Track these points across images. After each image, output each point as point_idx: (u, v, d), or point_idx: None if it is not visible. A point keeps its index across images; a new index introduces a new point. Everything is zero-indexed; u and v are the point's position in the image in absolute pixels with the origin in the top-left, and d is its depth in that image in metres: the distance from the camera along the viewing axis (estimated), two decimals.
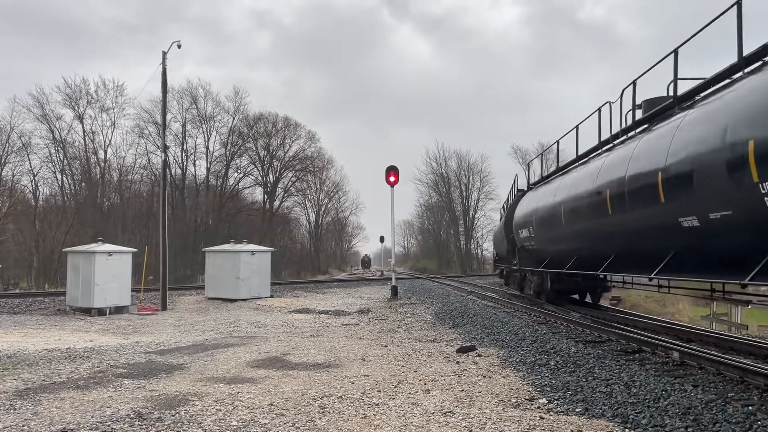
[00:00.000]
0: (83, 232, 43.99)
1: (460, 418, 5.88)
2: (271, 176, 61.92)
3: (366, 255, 79.45)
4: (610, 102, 12.78)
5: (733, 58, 8.11)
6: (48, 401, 6.75)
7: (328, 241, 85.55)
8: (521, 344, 10.63)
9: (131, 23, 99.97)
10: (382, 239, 59.90)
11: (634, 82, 11.59)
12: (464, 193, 69.36)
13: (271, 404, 6.50)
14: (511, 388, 7.22)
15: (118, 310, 20.20)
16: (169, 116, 46.85)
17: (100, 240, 22.32)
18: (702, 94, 9.07)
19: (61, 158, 49.77)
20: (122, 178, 52.62)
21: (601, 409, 6.14)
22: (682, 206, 8.24)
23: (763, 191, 6.49)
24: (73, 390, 7.36)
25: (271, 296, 25.13)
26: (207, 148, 56.30)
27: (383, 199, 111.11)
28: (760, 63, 7.67)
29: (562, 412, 6.12)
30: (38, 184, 49.97)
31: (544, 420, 5.75)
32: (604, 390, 6.90)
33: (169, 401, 6.68)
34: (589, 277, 16.12)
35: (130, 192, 53.14)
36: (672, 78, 9.88)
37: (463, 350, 10.12)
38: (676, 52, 9.65)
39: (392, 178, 24.77)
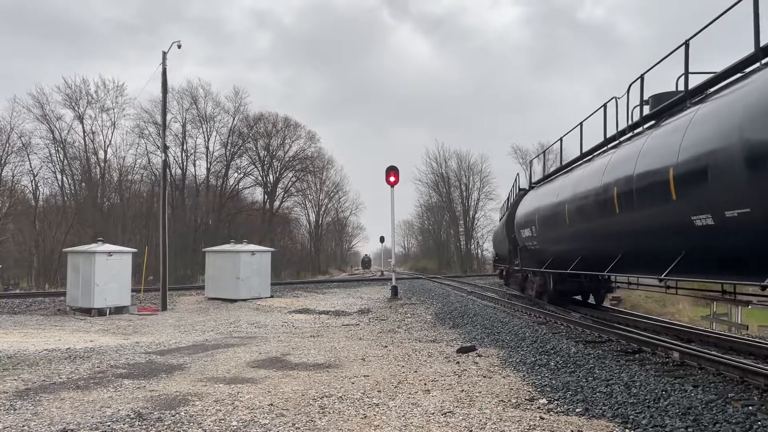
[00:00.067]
0: (83, 232, 44.00)
1: (460, 418, 5.88)
2: (271, 176, 61.99)
3: (366, 255, 79.35)
4: (616, 97, 12.42)
5: (739, 55, 7.93)
6: (48, 401, 6.75)
7: (328, 241, 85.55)
8: (521, 344, 10.63)
9: (131, 23, 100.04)
10: (382, 239, 59.93)
11: (641, 77, 11.17)
12: (464, 193, 69.41)
13: (271, 404, 6.50)
14: (512, 389, 7.22)
15: (118, 310, 20.20)
16: (169, 116, 46.89)
17: (100, 240, 22.33)
18: (714, 88, 8.73)
19: (61, 158, 49.84)
20: (122, 179, 52.65)
21: (601, 409, 6.14)
22: (696, 204, 7.90)
23: None
24: (73, 390, 7.36)
25: (271, 296, 25.13)
26: (207, 148, 56.38)
27: (383, 199, 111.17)
28: None
29: (563, 412, 6.12)
30: (38, 185, 50.08)
31: (544, 420, 5.75)
32: (605, 390, 6.90)
33: (169, 401, 6.68)
34: (593, 277, 15.83)
35: (130, 192, 53.15)
36: (682, 72, 9.44)
37: (463, 350, 10.12)
38: (687, 44, 9.27)
39: (392, 178, 24.76)
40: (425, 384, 7.55)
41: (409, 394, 7.01)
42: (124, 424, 5.70)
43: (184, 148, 54.96)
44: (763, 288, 7.15)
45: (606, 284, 16.80)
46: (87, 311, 19.84)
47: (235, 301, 23.31)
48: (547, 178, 18.15)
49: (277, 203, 63.26)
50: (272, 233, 58.38)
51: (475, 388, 7.29)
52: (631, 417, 5.78)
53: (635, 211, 9.81)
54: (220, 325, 16.11)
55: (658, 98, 10.89)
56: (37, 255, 46.23)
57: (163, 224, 23.55)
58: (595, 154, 13.60)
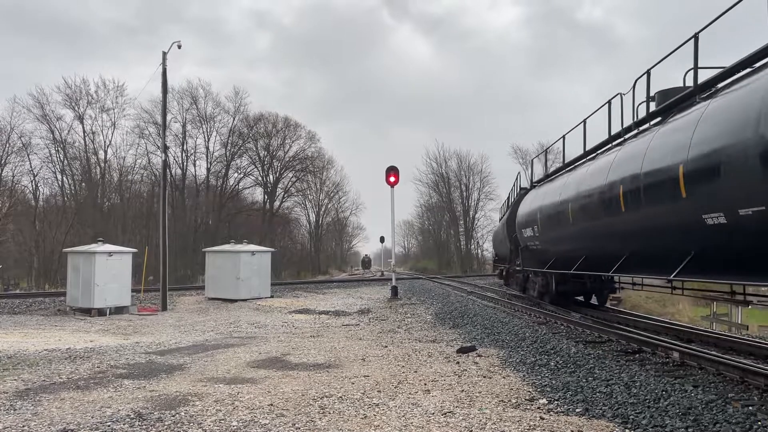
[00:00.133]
0: (83, 232, 44.02)
1: (461, 418, 5.88)
2: (271, 176, 61.98)
3: (366, 255, 79.30)
4: (621, 94, 12.08)
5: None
6: (48, 401, 6.76)
7: (329, 241, 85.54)
8: (521, 344, 10.63)
9: (131, 24, 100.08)
10: (382, 239, 59.94)
11: (648, 72, 10.85)
12: (464, 193, 69.44)
13: (272, 404, 6.50)
14: (512, 389, 7.22)
15: (118, 310, 20.20)
16: (169, 116, 46.95)
17: (100, 240, 22.33)
18: (724, 83, 8.47)
19: (62, 158, 49.86)
20: (122, 179, 52.67)
21: (601, 409, 6.14)
22: (707, 202, 7.62)
23: None
24: (74, 390, 7.37)
25: (272, 296, 25.13)
26: (207, 148, 56.39)
27: (383, 199, 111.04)
28: None
29: (563, 412, 6.12)
30: (38, 185, 50.09)
31: (545, 420, 5.75)
32: (605, 390, 6.90)
33: (170, 401, 6.68)
34: (596, 278, 15.59)
35: (131, 192, 53.17)
36: (688, 68, 9.19)
37: (463, 350, 10.12)
38: (696, 37, 8.96)
39: (392, 179, 24.75)
40: (425, 384, 7.55)
41: (409, 394, 7.01)
42: (124, 424, 5.70)
43: (184, 148, 55.04)
44: None
45: (609, 285, 16.59)
46: (87, 311, 19.84)
47: (235, 301, 23.31)
48: (549, 176, 17.86)
49: (277, 203, 63.29)
50: (272, 233, 58.38)
51: (475, 388, 7.29)
52: (631, 417, 5.78)
53: (642, 209, 9.55)
54: (220, 326, 16.11)
55: (664, 94, 10.65)
56: (37, 255, 46.23)
57: (163, 224, 23.55)
58: (599, 152, 13.33)
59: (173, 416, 5.99)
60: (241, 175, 59.94)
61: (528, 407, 6.34)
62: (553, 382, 7.48)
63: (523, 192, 20.24)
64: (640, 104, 11.31)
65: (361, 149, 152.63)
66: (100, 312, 19.68)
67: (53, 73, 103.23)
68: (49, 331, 15.23)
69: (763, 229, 6.73)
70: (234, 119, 57.46)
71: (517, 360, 9.18)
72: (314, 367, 8.99)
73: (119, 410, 6.27)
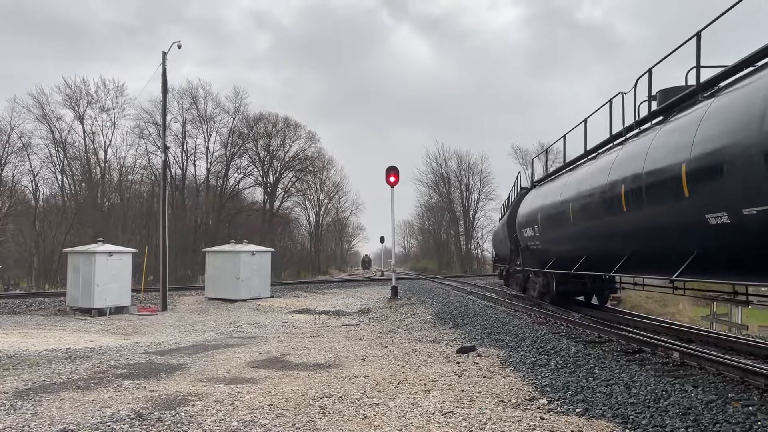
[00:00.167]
0: (83, 232, 44.02)
1: (461, 418, 5.88)
2: (271, 176, 62.00)
3: (366, 255, 79.37)
4: (622, 93, 11.98)
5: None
6: (48, 401, 6.76)
7: (329, 241, 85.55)
8: (521, 345, 10.63)
9: (130, 24, 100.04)
10: (382, 239, 59.97)
11: (650, 71, 10.75)
12: (464, 193, 69.48)
13: (272, 404, 6.50)
14: (512, 389, 7.22)
15: (118, 310, 20.20)
16: (169, 117, 46.98)
17: (100, 240, 22.33)
18: (727, 81, 8.40)
19: (62, 159, 49.88)
20: (122, 179, 52.68)
21: (601, 409, 6.14)
22: (710, 201, 7.52)
23: None
24: (74, 390, 7.37)
25: (272, 297, 25.13)
26: (207, 148, 56.41)
27: (383, 199, 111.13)
28: None
29: (563, 412, 6.12)
30: (38, 185, 50.12)
31: (545, 420, 5.75)
32: (605, 390, 6.90)
33: (170, 401, 6.68)
34: (596, 278, 15.50)
35: (131, 192, 53.17)
36: (689, 67, 9.11)
37: (463, 350, 10.12)
38: (698, 35, 8.88)
39: (392, 179, 24.75)
40: (425, 384, 7.55)
41: (409, 394, 7.01)
42: (124, 425, 5.70)
43: (184, 148, 55.05)
44: None
45: (610, 285, 16.51)
46: (87, 311, 19.84)
47: (235, 301, 23.31)
48: (549, 176, 17.78)
49: (277, 203, 63.31)
50: (272, 233, 58.38)
51: (475, 388, 7.29)
52: (631, 417, 5.78)
53: (644, 209, 9.47)
54: (220, 326, 16.11)
55: (666, 93, 10.57)
56: (37, 255, 46.24)
57: (163, 224, 23.54)
58: (600, 151, 13.25)
59: (173, 416, 5.99)
60: (241, 175, 60.04)
61: (528, 407, 6.34)
62: (553, 382, 7.48)
63: (524, 192, 20.10)
64: (641, 103, 11.25)
65: (361, 149, 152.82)
66: (100, 312, 19.68)
67: (53, 73, 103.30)
68: (49, 331, 15.23)
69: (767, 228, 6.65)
70: (234, 119, 57.56)
71: (517, 360, 9.18)
72: (314, 367, 8.99)
73: (119, 410, 6.27)
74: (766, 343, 10.24)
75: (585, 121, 14.40)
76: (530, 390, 7.13)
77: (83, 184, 51.53)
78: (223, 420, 5.88)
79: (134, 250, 22.69)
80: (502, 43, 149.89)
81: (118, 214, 50.39)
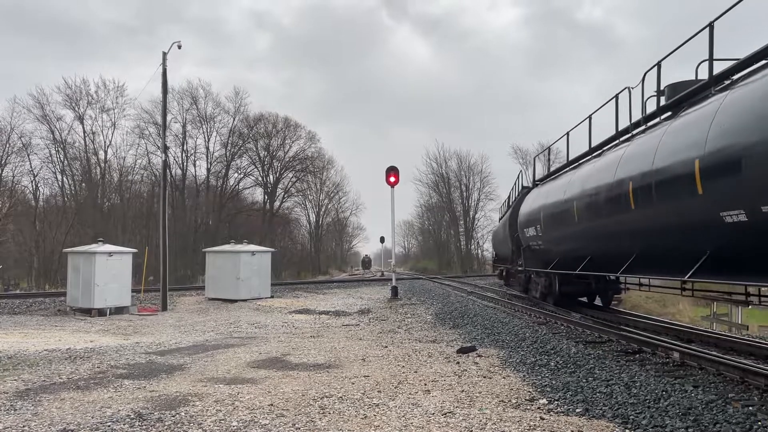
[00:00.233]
0: (83, 232, 44.02)
1: (461, 418, 5.88)
2: (271, 177, 62.00)
3: (366, 255, 79.45)
4: (629, 88, 11.57)
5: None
6: (48, 402, 6.76)
7: (329, 241, 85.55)
8: (521, 345, 10.63)
9: (130, 24, 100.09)
10: (382, 240, 60.03)
11: (658, 64, 10.38)
12: (464, 193, 69.51)
13: (272, 405, 6.50)
14: (512, 389, 7.22)
15: (119, 310, 20.20)
16: (169, 117, 46.97)
17: (100, 240, 22.33)
18: (740, 74, 8.11)
19: (62, 159, 49.88)
20: (122, 179, 52.69)
21: (601, 409, 6.14)
22: (726, 198, 7.18)
23: None
24: (74, 390, 7.37)
25: (272, 297, 25.13)
26: (207, 148, 56.42)
27: (383, 199, 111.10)
28: None
29: (563, 412, 6.12)
30: (38, 185, 50.11)
31: (545, 420, 5.75)
32: (605, 390, 6.90)
33: (170, 402, 6.69)
34: (600, 278, 15.23)
35: (131, 192, 53.18)
36: (700, 61, 8.85)
37: (463, 351, 10.11)
38: (711, 26, 8.49)
39: (392, 179, 24.74)
40: (425, 384, 7.55)
41: (410, 394, 7.01)
42: (124, 425, 5.70)
43: (185, 148, 55.06)
44: None
45: (614, 285, 16.18)
46: (87, 311, 19.84)
47: (235, 301, 23.31)
48: (552, 174, 17.51)
49: (277, 203, 63.31)
50: (272, 233, 58.38)
51: (475, 388, 7.29)
52: (632, 417, 5.78)
53: (654, 206, 9.11)
54: (220, 326, 16.11)
55: (674, 88, 10.26)
56: (37, 255, 46.24)
57: (163, 224, 23.54)
58: (606, 148, 12.94)
59: (173, 416, 5.99)
60: (241, 176, 60.06)
61: (528, 407, 6.34)
62: (554, 382, 7.48)
63: (525, 191, 19.80)
64: (648, 98, 10.96)
65: (361, 149, 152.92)
66: (100, 312, 19.68)
67: (53, 74, 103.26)
68: (49, 331, 15.23)
69: None
70: (234, 119, 57.57)
71: (518, 360, 9.18)
72: (314, 367, 8.99)
73: (119, 410, 6.27)
74: (766, 343, 10.23)
75: (590, 117, 13.98)
76: (530, 390, 7.13)
77: (83, 185, 51.54)
78: (223, 420, 5.88)
79: (134, 251, 22.69)
80: (502, 43, 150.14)
81: (118, 214, 50.39)
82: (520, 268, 19.79)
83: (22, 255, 46.54)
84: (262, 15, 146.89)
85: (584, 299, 17.70)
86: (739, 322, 22.04)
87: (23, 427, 5.69)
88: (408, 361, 9.32)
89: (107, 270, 20.14)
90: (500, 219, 27.52)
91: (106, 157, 51.43)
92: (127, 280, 20.91)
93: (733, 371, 7.54)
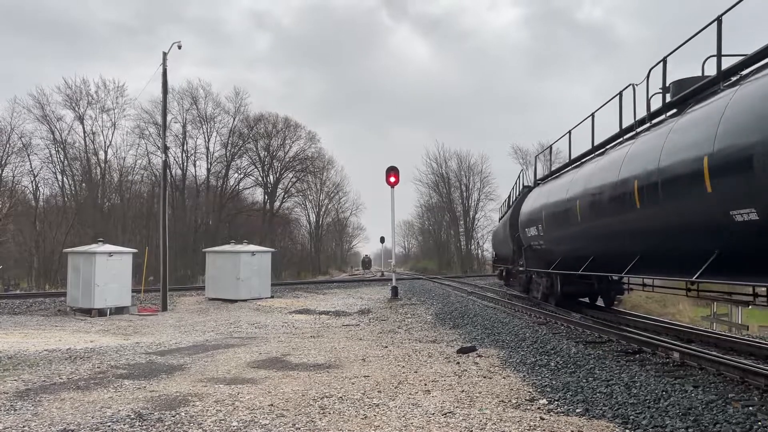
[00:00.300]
0: (83, 232, 44.03)
1: (461, 418, 5.88)
2: (271, 177, 62.01)
3: (366, 255, 79.49)
4: (633, 84, 11.37)
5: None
6: (48, 402, 6.76)
7: (329, 241, 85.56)
8: (521, 345, 10.63)
9: (130, 25, 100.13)
10: (382, 240, 60.09)
11: (664, 60, 10.16)
12: (464, 193, 69.54)
13: (272, 405, 6.50)
14: (512, 389, 7.22)
15: (119, 310, 20.20)
16: (169, 117, 46.98)
17: (100, 240, 22.33)
18: (749, 69, 7.96)
19: (62, 159, 49.90)
20: (123, 179, 52.71)
21: (601, 409, 6.14)
22: (736, 197, 7.00)
23: None
24: (74, 390, 7.37)
25: (272, 297, 25.13)
26: (207, 148, 56.43)
27: (383, 199, 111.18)
28: None
29: (563, 412, 6.12)
30: (39, 185, 50.11)
31: (545, 420, 5.75)
32: (605, 390, 6.90)
33: (170, 402, 6.69)
34: (603, 279, 15.07)
35: (131, 192, 53.19)
36: (705, 57, 8.72)
37: (463, 351, 10.11)
38: (719, 20, 8.28)
39: (392, 179, 24.74)
40: (425, 384, 7.55)
41: (410, 394, 7.01)
42: (124, 425, 5.70)
43: (185, 148, 55.07)
44: None
45: (617, 286, 15.96)
46: (87, 312, 19.84)
47: (236, 301, 23.31)
48: (554, 173, 17.32)
49: (277, 204, 63.31)
50: (272, 234, 58.38)
51: (475, 388, 7.29)
52: (632, 417, 5.78)
53: (660, 205, 8.88)
54: (221, 326, 16.11)
55: (680, 84, 10.08)
56: (37, 255, 46.25)
57: (163, 225, 23.54)
58: (609, 146, 12.71)
59: (173, 416, 5.99)
60: (242, 176, 60.07)
61: (528, 407, 6.34)
62: (554, 382, 7.48)
63: (526, 190, 19.62)
64: (653, 95, 10.76)
65: (361, 149, 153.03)
66: (101, 312, 19.68)
67: (53, 74, 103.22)
68: (50, 331, 15.23)
69: None
70: (234, 120, 57.58)
71: (518, 360, 9.18)
72: (314, 367, 8.99)
73: (119, 410, 6.27)
74: (766, 343, 10.23)
75: (592, 115, 13.81)
76: (530, 390, 7.13)
77: (83, 185, 51.56)
78: (223, 420, 5.88)
79: (134, 251, 22.69)
80: (501, 44, 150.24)
81: (118, 214, 50.40)
82: (521, 269, 19.64)
83: (22, 255, 46.56)
84: (262, 15, 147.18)
85: (586, 300, 17.53)
86: (739, 322, 22.03)
87: (23, 427, 5.69)
88: (408, 361, 9.32)
89: (107, 270, 20.14)
90: (500, 219, 27.51)
91: (106, 158, 51.54)
92: (127, 281, 20.91)
93: (733, 371, 7.54)
